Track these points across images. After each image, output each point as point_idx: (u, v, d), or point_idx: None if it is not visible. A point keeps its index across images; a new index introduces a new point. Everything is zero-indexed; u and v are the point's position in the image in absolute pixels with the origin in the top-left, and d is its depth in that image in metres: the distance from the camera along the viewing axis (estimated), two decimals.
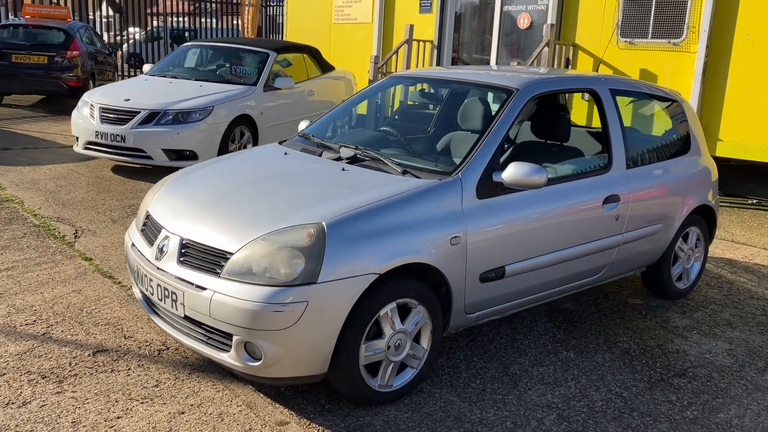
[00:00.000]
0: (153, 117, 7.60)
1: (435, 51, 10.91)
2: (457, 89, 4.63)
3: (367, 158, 3.79)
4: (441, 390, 3.50)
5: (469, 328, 4.20)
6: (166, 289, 3.22)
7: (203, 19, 21.55)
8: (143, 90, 8.29)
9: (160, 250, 3.34)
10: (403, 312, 3.29)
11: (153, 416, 3.09)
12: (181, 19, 21.58)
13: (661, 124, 5.17)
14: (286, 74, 9.18)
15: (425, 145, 4.37)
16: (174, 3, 20.11)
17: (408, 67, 10.60)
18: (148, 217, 3.67)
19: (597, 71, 8.92)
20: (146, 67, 9.55)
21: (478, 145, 3.63)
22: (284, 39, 14.22)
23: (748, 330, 4.54)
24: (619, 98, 4.45)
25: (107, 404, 3.16)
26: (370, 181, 3.52)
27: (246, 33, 19.73)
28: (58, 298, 4.31)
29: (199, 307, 3.07)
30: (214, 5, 21.46)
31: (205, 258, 3.15)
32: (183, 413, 3.14)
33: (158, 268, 3.29)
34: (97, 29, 18.35)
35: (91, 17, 20.07)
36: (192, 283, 3.11)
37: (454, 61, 10.94)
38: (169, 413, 3.13)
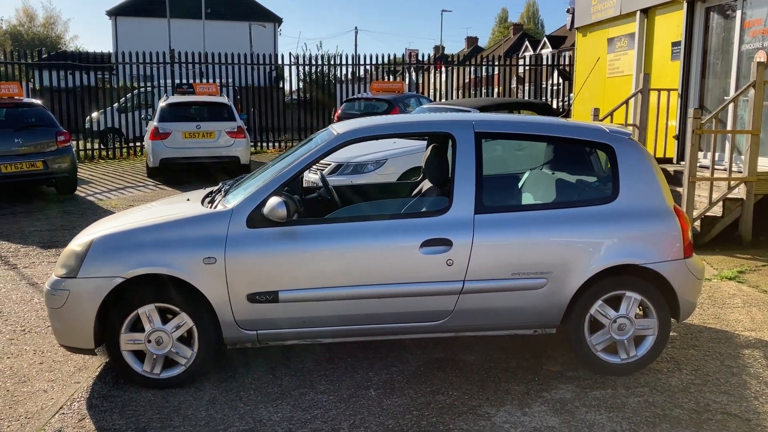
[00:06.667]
0: (338, 168, 9.10)
1: (680, 100, 9.89)
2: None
3: (221, 193, 4.57)
4: (206, 392, 4.07)
5: (340, 351, 4.53)
6: None
7: None
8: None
9: None
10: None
11: (24, 359, 4.54)
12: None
13: (571, 170, 4.45)
14: None
15: None
16: None
17: (643, 117, 9.89)
18: None
19: None
20: None
21: (265, 181, 4.14)
22: (573, 94, 14.28)
23: (618, 419, 3.71)
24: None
25: (18, 344, 4.72)
26: (181, 208, 4.36)
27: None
28: None
29: None
30: None
31: None
32: (41, 363, 4.50)
33: None
34: (545, 96, 21.02)
35: (543, 86, 22.60)
36: None
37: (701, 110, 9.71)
38: (33, 362, 4.52)
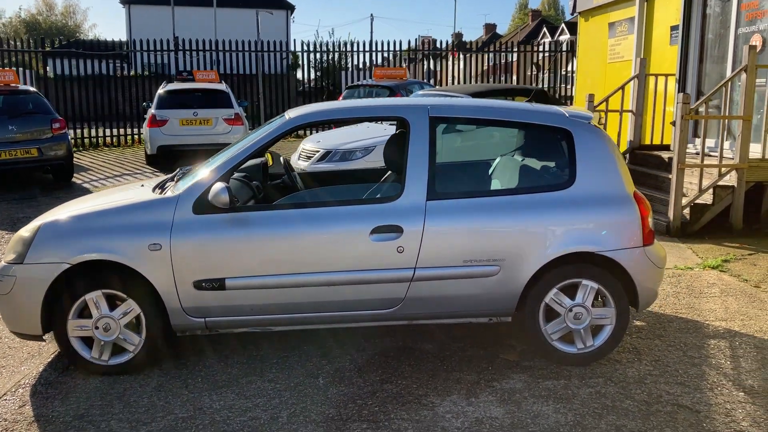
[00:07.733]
0: (326, 155, 9.04)
1: (677, 85, 9.67)
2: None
3: (173, 180, 4.51)
4: (154, 378, 4.04)
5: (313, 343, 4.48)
6: None
7: None
8: (340, 134, 9.79)
9: None
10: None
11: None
12: None
13: (534, 155, 4.32)
14: None
15: None
16: None
17: (639, 103, 9.69)
18: None
19: None
20: None
21: (210, 168, 4.08)
22: (575, 80, 14.07)
23: (565, 410, 3.62)
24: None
25: None
26: (131, 195, 4.31)
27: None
28: None
29: None
30: None
31: None
32: (11, 348, 4.50)
33: None
34: (564, 83, 20.73)
35: (563, 72, 22.27)
36: None
37: (698, 96, 9.50)
38: (10, 346, 4.53)
